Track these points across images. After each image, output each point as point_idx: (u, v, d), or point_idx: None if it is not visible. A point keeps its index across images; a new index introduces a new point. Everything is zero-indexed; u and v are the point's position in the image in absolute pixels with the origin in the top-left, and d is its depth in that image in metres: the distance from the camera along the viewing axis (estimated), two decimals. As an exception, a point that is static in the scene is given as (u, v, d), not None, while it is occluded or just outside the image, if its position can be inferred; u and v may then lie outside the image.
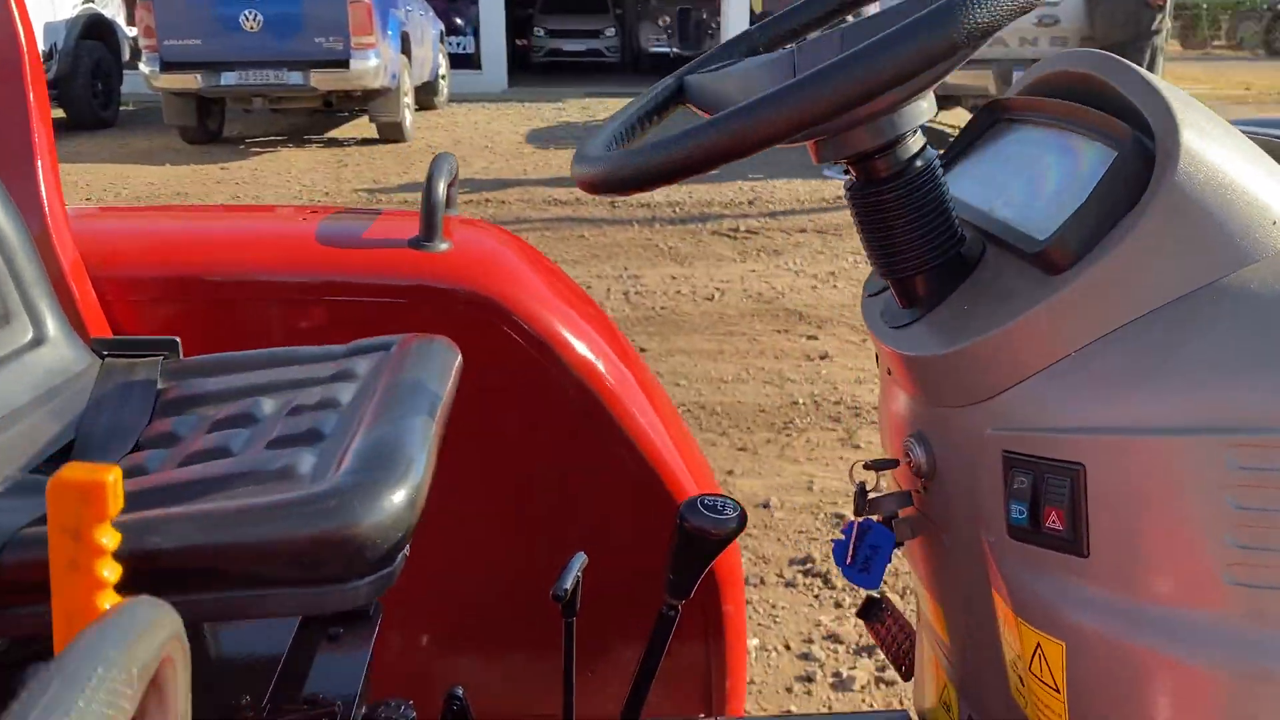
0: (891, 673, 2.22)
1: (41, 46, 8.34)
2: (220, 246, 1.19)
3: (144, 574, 0.58)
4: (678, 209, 6.80)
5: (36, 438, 0.77)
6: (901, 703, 2.17)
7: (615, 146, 0.83)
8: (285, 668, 0.83)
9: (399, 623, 1.12)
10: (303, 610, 0.64)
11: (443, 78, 12.39)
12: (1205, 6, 23.95)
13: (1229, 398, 0.62)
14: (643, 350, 3.98)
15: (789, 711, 2.12)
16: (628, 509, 1.26)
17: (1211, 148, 0.65)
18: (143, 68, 8.73)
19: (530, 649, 1.28)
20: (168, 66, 8.60)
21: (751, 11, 15.39)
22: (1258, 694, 0.62)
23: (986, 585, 0.74)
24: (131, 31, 10.56)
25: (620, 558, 1.24)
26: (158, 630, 0.36)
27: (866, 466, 0.82)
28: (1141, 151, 0.66)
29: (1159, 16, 8.05)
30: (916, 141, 0.74)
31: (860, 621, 2.53)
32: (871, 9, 0.87)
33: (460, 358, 0.91)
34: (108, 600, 0.49)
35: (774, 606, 2.44)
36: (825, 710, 2.15)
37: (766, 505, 2.90)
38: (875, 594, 1.55)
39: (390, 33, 8.99)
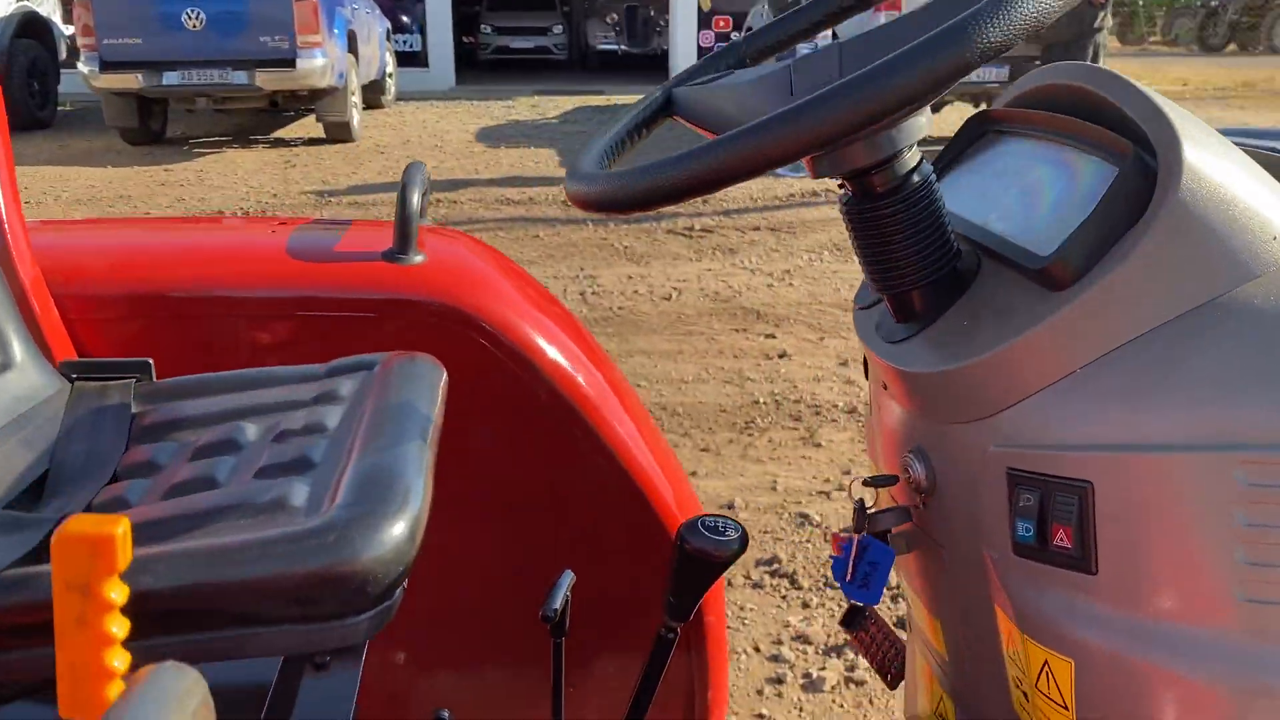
0: (861, 673, 2.23)
1: (-25, 46, 8.14)
2: (188, 261, 1.16)
3: (136, 615, 0.56)
4: (631, 208, 6.79)
5: (9, 469, 0.74)
6: (872, 702, 2.18)
7: (607, 161, 0.81)
8: (273, 698, 0.81)
9: (383, 645, 1.10)
10: (300, 649, 0.62)
11: (390, 76, 12.26)
12: (1141, 3, 24.44)
13: (1236, 414, 0.62)
14: (602, 351, 3.96)
15: (760, 715, 2.12)
16: (610, 521, 1.24)
17: (1212, 163, 0.65)
18: (81, 67, 8.53)
19: (516, 669, 1.26)
20: (107, 66, 8.41)
21: (699, 9, 15.42)
22: (1269, 711, 0.62)
23: (988, 601, 0.74)
24: (68, 30, 10.32)
25: (603, 570, 1.22)
26: (188, 700, 0.35)
27: (866, 483, 0.81)
28: (1142, 167, 0.66)
29: (1101, 14, 8.21)
30: (914, 156, 0.73)
31: (819, 618, 2.53)
32: (852, 27, 0.86)
33: (445, 376, 0.89)
34: (117, 657, 0.47)
35: (742, 608, 2.45)
36: (797, 711, 2.15)
37: (731, 506, 2.90)
38: (858, 602, 1.55)
39: (337, 31, 8.87)
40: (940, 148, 0.92)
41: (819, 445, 3.27)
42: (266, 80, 8.50)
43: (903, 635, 1.14)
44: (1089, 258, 0.66)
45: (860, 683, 2.22)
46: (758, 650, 2.31)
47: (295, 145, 9.39)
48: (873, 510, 0.82)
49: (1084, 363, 0.66)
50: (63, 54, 10.45)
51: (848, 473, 3.09)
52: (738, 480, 3.05)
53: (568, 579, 0.98)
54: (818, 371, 3.87)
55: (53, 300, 1.05)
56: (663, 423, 3.43)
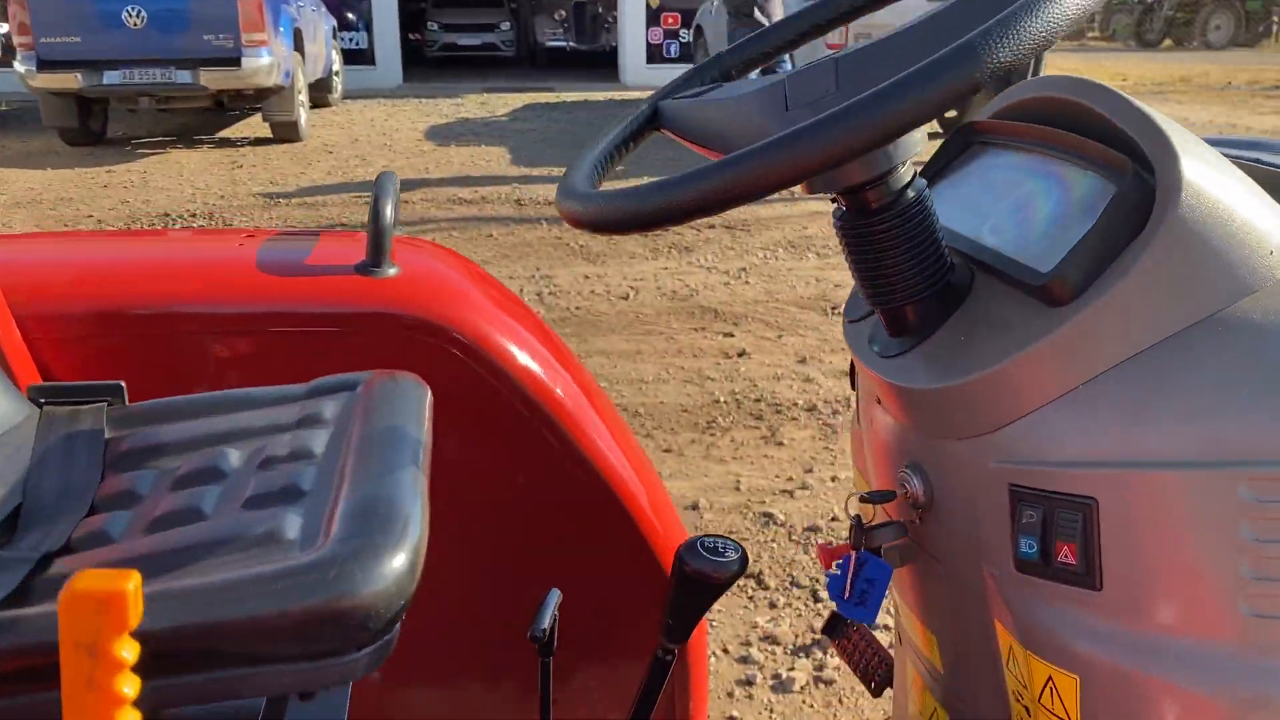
0: (830, 673, 2.24)
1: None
2: (154, 276, 1.12)
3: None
4: (585, 206, 6.77)
5: None
6: (841, 701, 2.19)
7: (598, 177, 0.80)
8: None
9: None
10: (299, 687, 0.60)
11: (336, 74, 12.12)
12: None
13: (1239, 430, 0.63)
14: (561, 353, 3.94)
15: (732, 718, 2.12)
16: (589, 533, 1.23)
17: (1209, 178, 0.65)
18: (18, 66, 8.32)
19: (499, 686, 1.24)
20: (45, 65, 8.21)
21: (648, 6, 15.41)
22: None
23: (987, 615, 0.74)
24: (3, 28, 10.06)
25: (584, 582, 1.21)
26: None
27: (864, 500, 0.81)
28: (1140, 183, 0.66)
29: None
30: (908, 171, 0.73)
31: (786, 618, 2.54)
32: (804, 51, 0.86)
33: (430, 395, 0.87)
34: (128, 718, 0.45)
35: (710, 610, 2.44)
36: (768, 713, 2.15)
37: (695, 507, 2.90)
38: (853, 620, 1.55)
39: (282, 29, 8.74)
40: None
41: (781, 444, 3.28)
42: (211, 79, 8.36)
43: (886, 641, 1.15)
44: (1088, 274, 0.66)
45: (829, 682, 2.23)
46: (726, 652, 2.31)
47: (241, 145, 9.24)
48: (869, 525, 0.81)
49: (1085, 379, 0.66)
50: (-2, 53, 10.20)
51: (810, 471, 3.11)
52: (701, 481, 3.05)
53: (555, 598, 0.97)
54: (777, 370, 3.88)
55: (14, 321, 1.01)
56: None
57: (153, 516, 0.70)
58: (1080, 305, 0.66)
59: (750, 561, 2.65)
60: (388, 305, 1.11)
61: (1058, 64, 14.40)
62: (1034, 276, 0.68)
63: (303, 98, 9.39)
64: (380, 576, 0.61)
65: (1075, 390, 0.66)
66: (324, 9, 11.42)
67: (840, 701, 2.19)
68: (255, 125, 10.06)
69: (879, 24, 8.54)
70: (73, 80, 8.23)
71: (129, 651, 0.46)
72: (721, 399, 3.60)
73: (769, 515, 2.85)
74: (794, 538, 2.75)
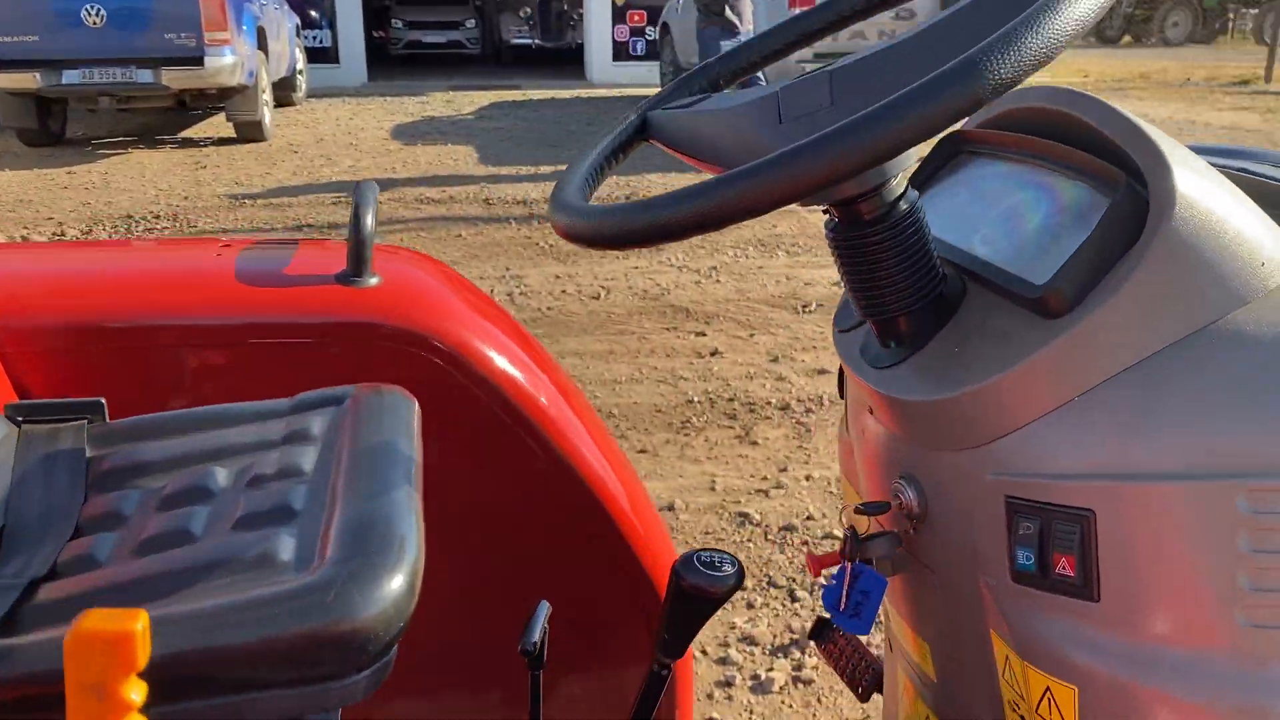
0: (809, 672, 2.25)
1: None
2: (131, 288, 1.10)
3: None
4: (554, 205, 6.74)
5: None
6: (820, 701, 2.20)
7: (590, 189, 0.79)
8: None
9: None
10: (297, 712, 0.59)
11: (300, 73, 12.01)
12: (1042, -4, 25.02)
13: (1235, 442, 0.63)
14: (533, 354, 3.92)
15: (712, 719, 2.12)
16: (575, 542, 1.23)
17: (1201, 189, 0.66)
18: (-27, 66, 8.18)
19: (486, 698, 1.23)
20: (2, 65, 8.07)
21: (613, 4, 15.39)
22: None
23: (982, 625, 0.74)
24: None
25: (570, 591, 1.21)
26: None
27: (858, 511, 0.81)
28: (1133, 195, 0.66)
29: None
30: (901, 183, 0.73)
31: (764, 618, 2.54)
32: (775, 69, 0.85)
33: (418, 408, 0.86)
34: (135, 761, 0.44)
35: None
36: (748, 714, 2.16)
37: (671, 508, 2.90)
38: (825, 614, 1.55)
39: (245, 28, 8.65)
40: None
41: (755, 443, 3.28)
42: (173, 79, 8.25)
43: (871, 647, 1.15)
44: (1083, 286, 0.66)
45: (808, 682, 2.23)
46: (705, 653, 2.31)
47: (205, 145, 9.14)
48: (864, 537, 0.81)
49: (1081, 391, 0.66)
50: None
51: (784, 470, 3.11)
52: (677, 481, 3.05)
53: (544, 610, 0.96)
54: (749, 369, 3.89)
55: None
56: (599, 425, 3.41)
57: (141, 539, 0.69)
58: (1076, 318, 0.66)
59: (727, 562, 2.66)
60: (370, 315, 1.10)
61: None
62: (1029, 289, 0.69)
63: (267, 97, 9.29)
64: (379, 599, 0.61)
65: (1071, 402, 0.67)
66: (287, 7, 11.31)
67: (819, 701, 2.20)
68: (218, 125, 9.95)
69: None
70: (31, 80, 8.10)
71: (137, 693, 0.45)
72: (695, 399, 3.61)
73: (745, 515, 2.85)
74: (770, 537, 2.76)
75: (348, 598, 0.60)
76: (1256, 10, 22.87)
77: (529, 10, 19.96)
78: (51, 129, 8.90)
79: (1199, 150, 0.85)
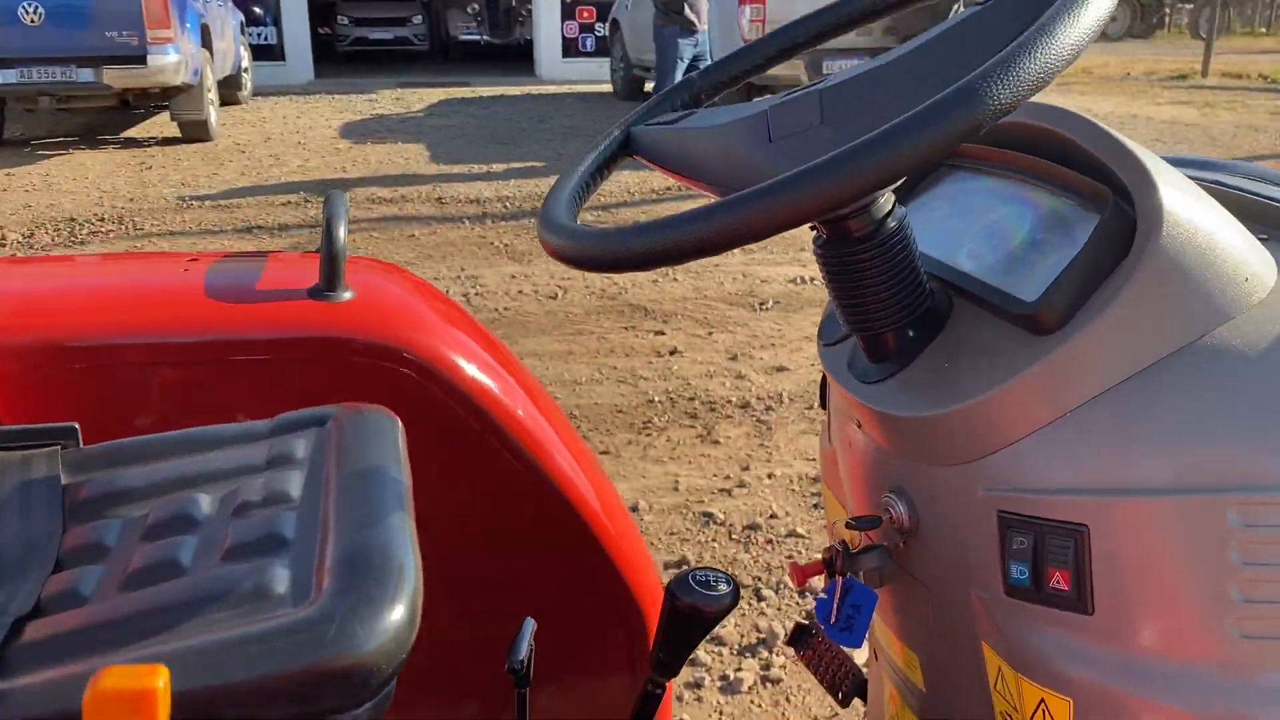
0: (777, 671, 2.26)
1: None
2: (95, 306, 1.07)
3: None
4: (508, 203, 6.71)
5: None
6: (789, 699, 2.22)
7: (577, 207, 0.79)
8: None
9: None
10: None
11: (245, 71, 11.82)
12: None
13: (1224, 457, 0.64)
14: (492, 355, 3.90)
15: (683, 720, 2.12)
16: (556, 556, 1.22)
17: (1186, 206, 0.67)
18: (-94, 65, 7.95)
19: (471, 716, 1.22)
20: (-64, 64, 7.87)
21: (562, 1, 15.34)
22: None
23: (974, 638, 0.75)
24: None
25: (553, 606, 1.20)
26: None
27: (849, 525, 0.81)
28: (1120, 213, 0.67)
29: (956, 7, 8.50)
30: (889, 200, 0.73)
31: (730, 618, 2.55)
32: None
33: (401, 428, 0.85)
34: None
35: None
36: (718, 715, 2.16)
37: (635, 509, 2.90)
38: (804, 621, 1.56)
39: (189, 25, 8.49)
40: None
41: (717, 442, 3.29)
42: (115, 78, 8.08)
43: (851, 653, 1.16)
44: (1073, 303, 0.67)
45: (776, 681, 2.25)
46: (674, 655, 2.31)
47: (149, 145, 8.97)
48: (855, 551, 0.82)
49: (1072, 407, 0.67)
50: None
51: (747, 469, 3.13)
52: (640, 482, 3.06)
53: (530, 627, 0.96)
54: (709, 367, 3.90)
55: None
56: (560, 427, 3.40)
57: (127, 571, 0.67)
58: (1066, 334, 0.67)
59: (693, 562, 2.67)
60: (345, 331, 1.08)
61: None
62: (1019, 305, 0.69)
63: (212, 96, 9.14)
64: (381, 631, 0.60)
65: (1063, 418, 0.68)
66: (231, 3, 11.13)
67: (788, 700, 2.21)
68: (163, 124, 9.77)
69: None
70: (-34, 80, 7.91)
71: (160, 749, 0.44)
72: (656, 398, 3.61)
73: (709, 515, 2.86)
74: (734, 536, 2.77)
75: (349, 631, 0.59)
76: (1191, 6, 23.35)
77: (476, 6, 19.82)
78: (-12, 130, 8.70)
79: (1173, 163, 0.86)
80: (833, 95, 0.71)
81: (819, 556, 0.97)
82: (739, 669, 2.27)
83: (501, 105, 12.19)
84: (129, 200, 6.73)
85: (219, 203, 6.70)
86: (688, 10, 7.45)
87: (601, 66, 14.44)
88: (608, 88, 13.38)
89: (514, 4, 19.34)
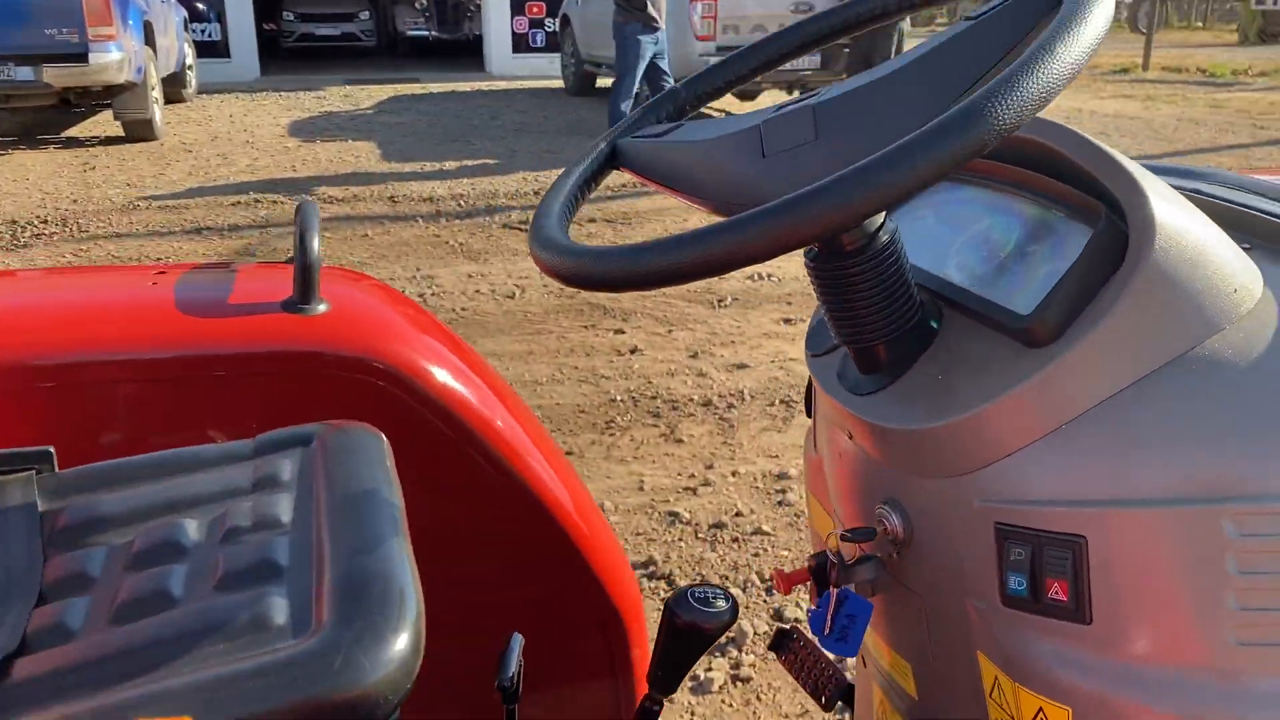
0: (747, 670, 2.27)
1: None
2: (62, 322, 1.04)
3: None
4: (462, 201, 6.67)
5: None
6: (759, 698, 2.22)
7: (567, 222, 0.78)
8: None
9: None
10: None
11: (190, 68, 11.61)
12: (931, -14, 25.63)
13: (1219, 467, 0.65)
14: (452, 357, 3.87)
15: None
16: (537, 567, 1.21)
17: (1176, 218, 0.67)
18: None
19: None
20: None
21: (513, -5, 15.25)
22: None
23: (969, 647, 0.76)
24: None
25: (534, 618, 1.19)
26: None
27: (844, 538, 0.81)
28: (1112, 226, 0.68)
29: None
30: (880, 213, 0.73)
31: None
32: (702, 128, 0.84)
33: (388, 446, 0.84)
34: None
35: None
36: (689, 715, 2.17)
37: (601, 509, 2.89)
38: (785, 625, 1.56)
39: (131, 22, 8.32)
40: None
41: (680, 441, 3.29)
42: (56, 76, 7.89)
43: (834, 658, 1.16)
44: (1067, 316, 0.67)
45: (746, 680, 2.26)
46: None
47: (92, 145, 8.78)
48: (850, 562, 0.82)
49: (1068, 419, 0.68)
50: None
51: (711, 467, 3.13)
52: (605, 482, 3.05)
53: (518, 643, 0.95)
54: (670, 366, 3.90)
55: None
56: (523, 428, 3.39)
57: (116, 603, 0.65)
58: (1061, 347, 0.67)
59: (660, 562, 2.67)
60: (322, 344, 1.06)
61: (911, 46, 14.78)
62: (1013, 318, 0.70)
63: (156, 94, 8.97)
64: (386, 661, 0.59)
65: (1059, 430, 0.68)
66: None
67: (759, 699, 2.22)
68: (106, 123, 9.58)
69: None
70: (-100, 79, 7.69)
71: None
72: (618, 398, 3.60)
73: (674, 514, 2.86)
74: (700, 535, 2.78)
75: (354, 662, 0.57)
76: (1130, 0, 23.74)
77: (425, 2, 19.65)
78: (-77, 130, 8.46)
79: (1154, 171, 0.87)
80: (826, 110, 0.71)
81: (805, 563, 0.97)
82: (709, 669, 2.27)
83: (452, 102, 12.09)
84: (72, 202, 6.59)
85: (166, 203, 6.58)
86: (650, 7, 7.41)
87: (552, 62, 14.38)
88: (559, 83, 13.33)
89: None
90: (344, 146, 8.73)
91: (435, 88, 13.62)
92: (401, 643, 0.60)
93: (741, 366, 3.89)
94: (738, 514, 2.87)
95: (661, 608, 2.71)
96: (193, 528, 0.73)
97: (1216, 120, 9.88)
